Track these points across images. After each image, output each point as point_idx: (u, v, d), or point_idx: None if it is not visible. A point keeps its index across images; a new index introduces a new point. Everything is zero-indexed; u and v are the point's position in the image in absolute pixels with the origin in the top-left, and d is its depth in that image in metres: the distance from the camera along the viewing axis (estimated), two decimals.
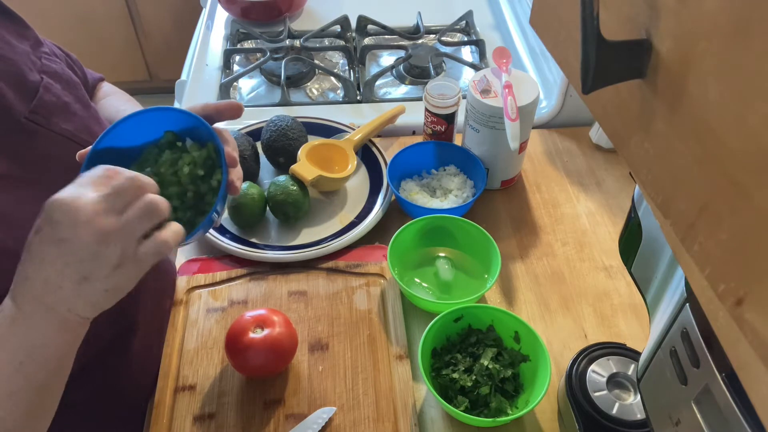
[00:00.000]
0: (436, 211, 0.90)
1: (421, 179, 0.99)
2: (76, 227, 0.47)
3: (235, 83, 1.21)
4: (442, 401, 0.68)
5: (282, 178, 0.92)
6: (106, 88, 0.85)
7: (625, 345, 0.73)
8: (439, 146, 0.99)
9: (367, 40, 1.34)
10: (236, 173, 0.59)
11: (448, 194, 0.96)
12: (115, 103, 0.82)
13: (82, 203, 0.47)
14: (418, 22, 1.35)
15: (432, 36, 1.33)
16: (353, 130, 1.03)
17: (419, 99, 1.14)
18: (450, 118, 0.98)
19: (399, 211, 0.97)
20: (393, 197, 0.97)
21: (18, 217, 0.55)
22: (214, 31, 1.36)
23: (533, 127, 1.02)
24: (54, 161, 0.59)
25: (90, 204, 0.47)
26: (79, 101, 0.66)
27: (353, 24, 1.35)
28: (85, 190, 0.48)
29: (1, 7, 0.65)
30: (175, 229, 0.52)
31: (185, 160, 0.60)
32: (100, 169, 0.50)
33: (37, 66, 0.64)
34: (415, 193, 0.95)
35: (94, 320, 0.52)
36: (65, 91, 0.65)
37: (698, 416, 0.43)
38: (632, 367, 0.69)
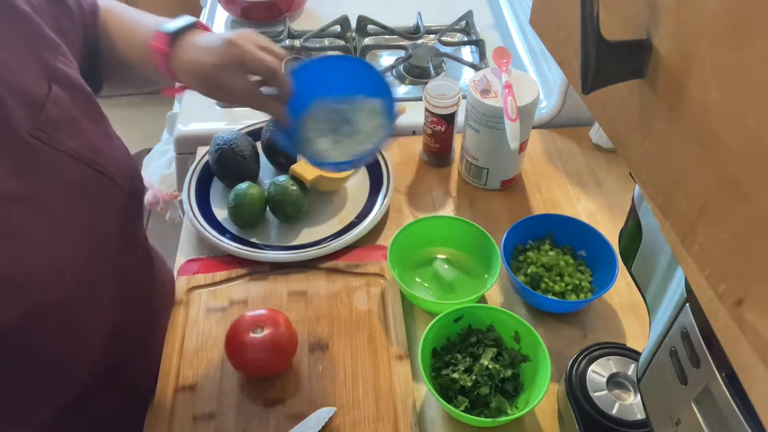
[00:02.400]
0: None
1: (334, 106, 0.76)
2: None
3: None
4: (442, 401, 0.68)
5: (282, 178, 0.92)
6: (106, 4, 0.77)
7: (625, 345, 0.73)
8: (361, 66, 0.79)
9: (367, 40, 1.34)
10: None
11: (355, 136, 0.75)
12: (133, 16, 0.77)
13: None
14: (418, 22, 1.35)
15: (432, 36, 1.32)
16: None
17: (419, 99, 1.14)
18: (450, 118, 0.98)
19: (399, 212, 0.97)
20: (392, 197, 0.96)
21: (16, 239, 0.52)
22: (213, 31, 1.36)
23: (533, 127, 1.02)
24: (56, 180, 0.56)
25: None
26: (87, 115, 0.62)
27: (353, 24, 1.35)
28: None
29: None
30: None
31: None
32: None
33: (49, 69, 0.59)
34: (317, 136, 0.74)
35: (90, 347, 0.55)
36: (74, 103, 0.60)
37: (698, 416, 0.43)
38: (632, 367, 0.69)
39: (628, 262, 0.62)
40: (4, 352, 0.53)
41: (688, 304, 0.45)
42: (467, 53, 1.31)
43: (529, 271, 0.84)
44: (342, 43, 1.32)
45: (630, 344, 0.74)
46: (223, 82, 0.66)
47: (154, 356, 0.78)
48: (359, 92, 0.74)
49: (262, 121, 1.05)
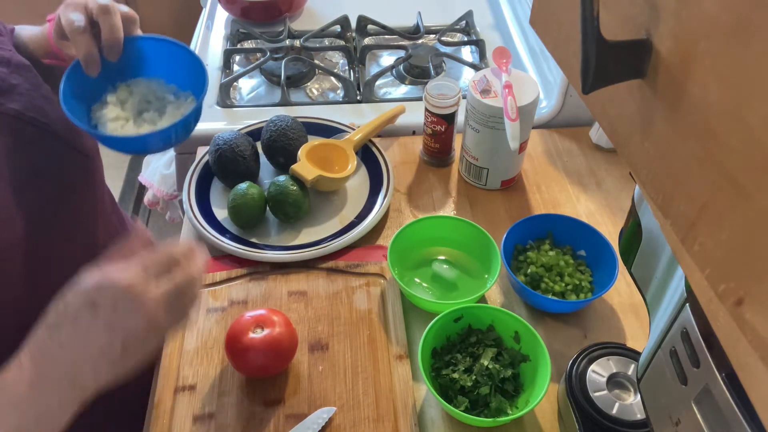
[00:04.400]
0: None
1: (162, 95, 0.74)
2: (137, 314, 0.49)
3: (235, 83, 1.21)
4: (442, 401, 0.68)
5: (282, 178, 0.92)
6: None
7: (625, 345, 0.73)
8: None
9: (367, 40, 1.34)
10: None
11: (162, 117, 0.72)
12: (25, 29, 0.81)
13: (147, 296, 0.50)
14: (418, 22, 1.35)
15: (432, 36, 1.33)
16: (353, 130, 1.03)
17: (419, 99, 1.14)
18: (450, 118, 0.98)
19: (399, 211, 0.97)
20: (392, 197, 0.96)
21: None
22: (214, 31, 1.36)
23: (533, 127, 1.02)
24: (3, 139, 0.62)
25: (149, 298, 0.50)
26: (29, 82, 0.67)
27: (353, 24, 1.35)
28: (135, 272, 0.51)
29: None
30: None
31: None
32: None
33: None
34: (119, 123, 0.71)
35: None
36: (14, 74, 0.66)
37: (698, 416, 0.43)
38: (632, 367, 0.69)
39: (628, 262, 0.62)
40: None
41: (688, 304, 0.45)
42: (467, 53, 1.31)
43: (529, 271, 0.84)
44: (342, 43, 1.32)
45: (630, 344, 0.74)
46: (63, 12, 0.66)
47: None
48: (188, 89, 0.72)
49: (262, 121, 1.05)
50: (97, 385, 0.50)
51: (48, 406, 0.48)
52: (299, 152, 0.94)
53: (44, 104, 0.68)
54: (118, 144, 0.69)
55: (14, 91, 0.65)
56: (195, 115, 0.70)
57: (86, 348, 0.49)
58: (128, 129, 0.68)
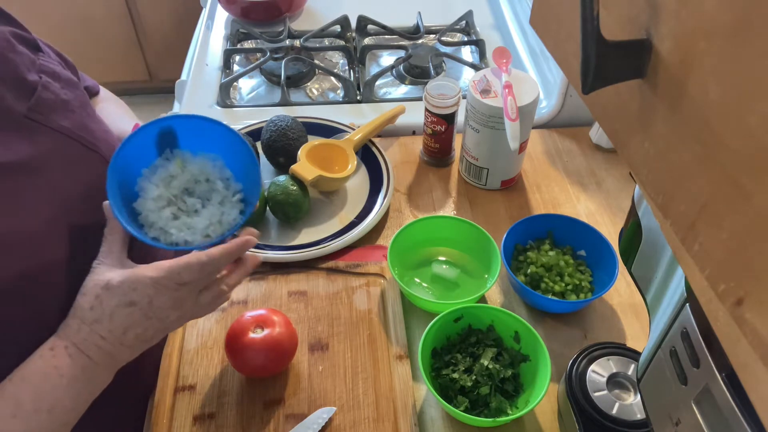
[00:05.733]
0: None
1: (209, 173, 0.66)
2: (176, 308, 0.60)
3: (235, 83, 1.21)
4: (442, 401, 0.68)
5: (282, 178, 0.92)
6: (102, 94, 0.86)
7: (625, 345, 0.73)
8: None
9: (367, 40, 1.34)
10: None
11: (204, 207, 0.65)
12: (111, 109, 0.82)
13: (179, 294, 0.60)
14: (418, 22, 1.35)
15: (432, 36, 1.33)
16: (353, 130, 1.03)
17: (419, 99, 1.14)
18: (450, 118, 0.98)
19: (399, 212, 0.97)
20: (392, 197, 0.96)
21: (16, 204, 0.57)
22: (214, 31, 1.36)
23: (533, 127, 1.02)
24: (52, 154, 0.62)
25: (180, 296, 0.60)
26: (78, 99, 0.67)
27: (353, 24, 1.35)
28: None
29: (2, 11, 0.67)
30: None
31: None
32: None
33: (36, 66, 0.65)
34: (158, 204, 0.64)
35: None
36: (64, 89, 0.66)
37: (698, 416, 0.43)
38: (632, 367, 0.69)
39: (628, 262, 0.62)
40: None
41: (688, 304, 0.45)
42: (467, 53, 1.31)
43: (529, 271, 0.84)
44: (342, 43, 1.32)
45: (630, 344, 0.74)
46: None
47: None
48: (241, 182, 0.66)
49: (262, 121, 1.05)
50: (132, 357, 0.61)
51: (97, 381, 0.59)
52: (299, 152, 0.94)
53: (91, 123, 0.67)
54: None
55: (66, 108, 0.64)
56: (235, 229, 0.65)
57: (124, 336, 0.58)
58: (162, 215, 0.64)
